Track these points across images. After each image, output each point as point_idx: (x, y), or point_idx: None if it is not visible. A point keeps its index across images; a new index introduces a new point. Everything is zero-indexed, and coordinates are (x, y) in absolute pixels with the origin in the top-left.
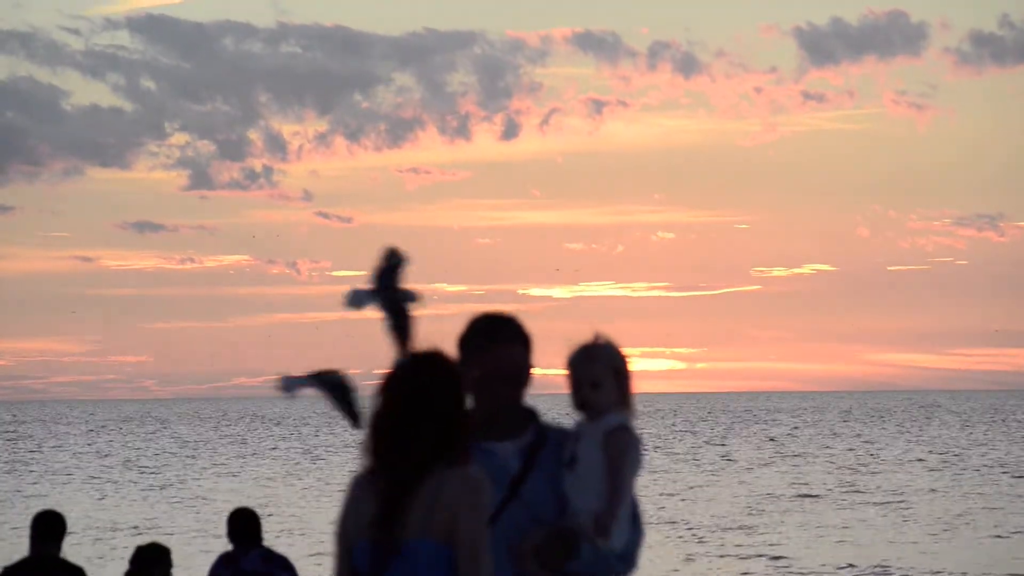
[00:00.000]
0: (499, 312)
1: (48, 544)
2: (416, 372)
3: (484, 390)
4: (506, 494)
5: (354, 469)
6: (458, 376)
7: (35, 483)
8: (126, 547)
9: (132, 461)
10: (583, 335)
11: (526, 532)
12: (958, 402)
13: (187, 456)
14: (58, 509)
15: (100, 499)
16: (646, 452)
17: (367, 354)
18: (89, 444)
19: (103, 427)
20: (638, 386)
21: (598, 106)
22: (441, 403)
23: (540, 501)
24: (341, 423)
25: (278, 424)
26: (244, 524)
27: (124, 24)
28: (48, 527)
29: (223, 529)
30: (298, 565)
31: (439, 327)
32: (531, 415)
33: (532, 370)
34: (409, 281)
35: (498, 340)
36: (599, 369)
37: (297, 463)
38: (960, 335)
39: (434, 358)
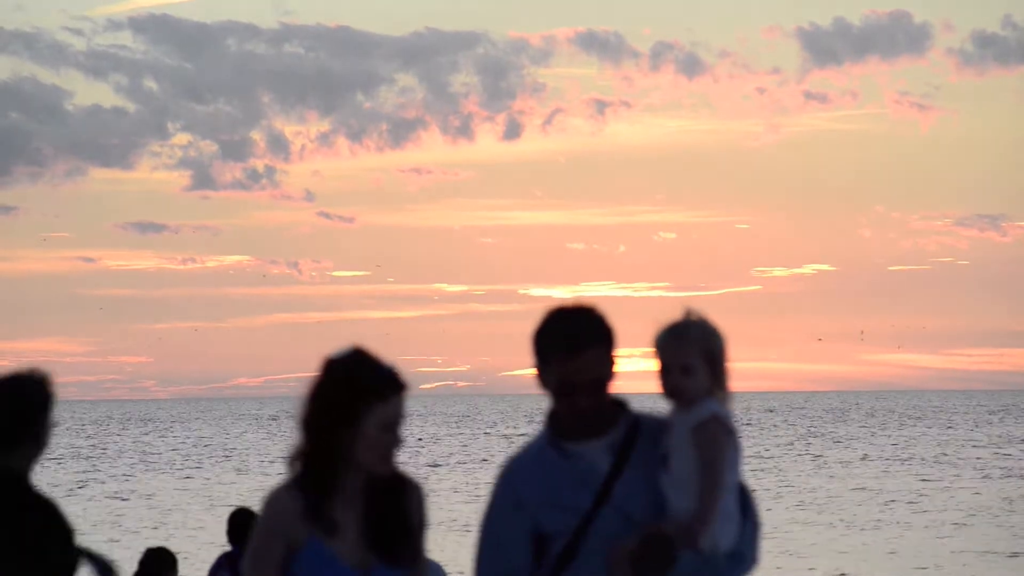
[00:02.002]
0: (577, 307)
1: None
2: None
3: (562, 399)
4: (597, 498)
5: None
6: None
7: None
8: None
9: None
10: (673, 314)
11: (621, 538)
12: (966, 401)
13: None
14: None
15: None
16: (742, 442)
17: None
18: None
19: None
20: (639, 387)
21: (601, 106)
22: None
23: (635, 503)
24: None
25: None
26: (244, 524)
27: (127, 24)
28: None
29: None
30: None
31: (440, 327)
32: (620, 407)
33: (615, 367)
34: (410, 281)
35: (578, 347)
36: (690, 352)
37: None
38: (961, 336)
39: None
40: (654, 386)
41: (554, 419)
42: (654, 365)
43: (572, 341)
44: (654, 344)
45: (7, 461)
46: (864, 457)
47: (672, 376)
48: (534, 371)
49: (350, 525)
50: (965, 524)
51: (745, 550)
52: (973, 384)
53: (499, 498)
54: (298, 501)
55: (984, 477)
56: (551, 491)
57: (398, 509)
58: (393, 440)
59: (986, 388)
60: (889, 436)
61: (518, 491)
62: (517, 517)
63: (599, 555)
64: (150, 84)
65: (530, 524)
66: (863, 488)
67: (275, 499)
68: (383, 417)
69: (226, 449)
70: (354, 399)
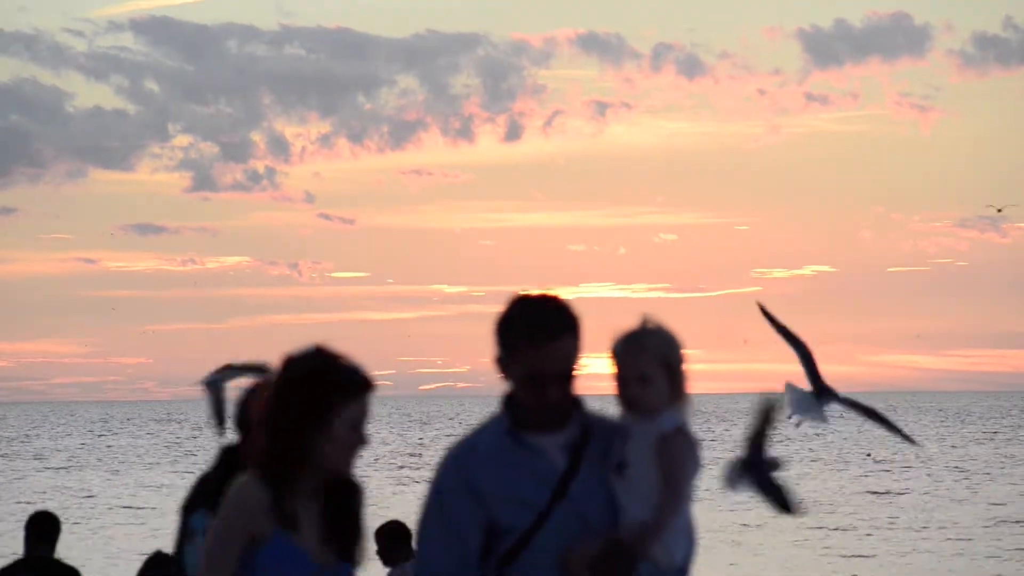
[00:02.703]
0: (544, 296)
1: (42, 545)
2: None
3: (531, 389)
4: (553, 493)
5: None
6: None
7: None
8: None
9: None
10: (629, 322)
11: (576, 538)
12: (967, 402)
13: None
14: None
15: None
16: (702, 455)
17: (365, 356)
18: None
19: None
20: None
21: (601, 108)
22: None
23: (591, 504)
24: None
25: None
26: None
27: (127, 26)
28: (42, 528)
29: None
30: None
31: (439, 328)
32: (576, 403)
33: (582, 358)
34: (410, 283)
35: (548, 336)
36: (647, 361)
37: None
38: (961, 336)
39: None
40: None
41: (515, 409)
42: (611, 373)
43: (544, 330)
44: (611, 352)
45: None
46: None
47: (629, 386)
48: (496, 360)
49: (311, 522)
50: None
51: (688, 568)
52: (973, 385)
53: (451, 482)
54: (264, 495)
55: None
56: (508, 483)
57: (353, 508)
58: (359, 439)
59: (986, 389)
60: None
61: (473, 479)
62: (471, 505)
63: (550, 554)
64: (151, 86)
65: (484, 515)
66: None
67: (241, 492)
68: (351, 416)
69: None
70: (324, 398)
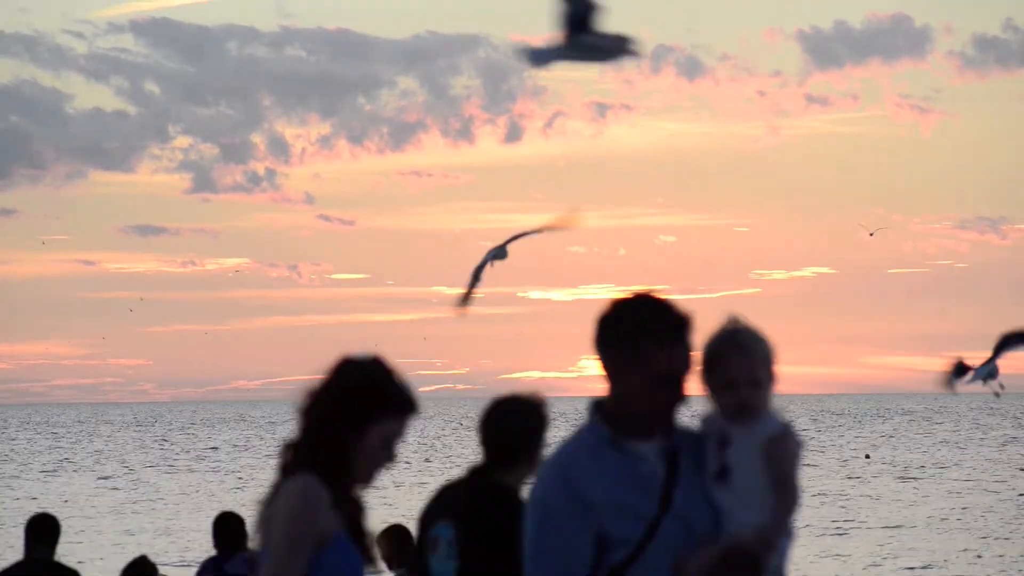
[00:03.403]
0: (664, 296)
1: (42, 547)
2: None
3: (656, 391)
4: (661, 502)
5: None
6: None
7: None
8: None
9: None
10: (717, 320)
11: (681, 546)
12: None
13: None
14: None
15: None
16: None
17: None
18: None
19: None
20: None
21: (601, 109)
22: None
23: (695, 513)
24: None
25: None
26: (229, 528)
27: (128, 27)
28: (42, 530)
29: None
30: None
31: (439, 330)
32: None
33: None
34: (409, 284)
35: (679, 335)
36: (759, 364)
37: None
38: (960, 338)
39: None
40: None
41: (612, 416)
42: (709, 376)
43: (676, 330)
44: (711, 354)
45: (505, 478)
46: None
47: (739, 390)
48: (613, 361)
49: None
50: None
51: (785, 565)
52: (973, 386)
53: (558, 494)
54: (326, 494)
55: None
56: (616, 493)
57: (365, 512)
58: (387, 457)
59: (985, 390)
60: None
61: (581, 489)
62: (582, 516)
63: (658, 564)
64: (151, 87)
65: (594, 525)
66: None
67: (309, 491)
68: (387, 433)
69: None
70: (367, 408)
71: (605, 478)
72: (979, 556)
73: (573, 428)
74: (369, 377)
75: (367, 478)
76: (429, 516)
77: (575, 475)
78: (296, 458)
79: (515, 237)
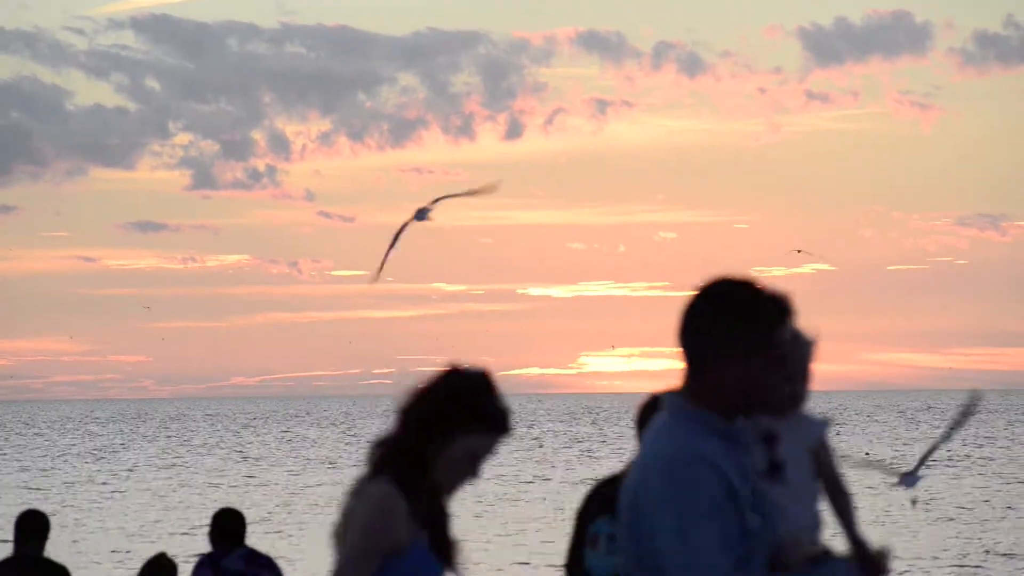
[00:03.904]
0: (773, 286)
1: (31, 543)
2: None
3: (780, 373)
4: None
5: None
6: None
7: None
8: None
9: None
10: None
11: (776, 540)
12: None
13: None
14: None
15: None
16: None
17: (364, 354)
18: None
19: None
20: (638, 386)
21: (602, 106)
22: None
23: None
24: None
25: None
26: (227, 524)
27: (128, 24)
28: (31, 526)
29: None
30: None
31: (438, 326)
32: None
33: None
34: (409, 281)
35: (793, 317)
36: (810, 356)
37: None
38: (960, 335)
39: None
40: (653, 386)
41: (723, 402)
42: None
43: (792, 312)
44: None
45: None
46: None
47: (796, 384)
48: (738, 343)
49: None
50: None
51: None
52: (972, 384)
53: (712, 488)
54: (403, 501)
55: None
56: (745, 482)
57: (448, 516)
58: (472, 471)
59: (985, 388)
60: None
61: (728, 481)
62: (733, 511)
63: (765, 555)
64: (151, 84)
65: (740, 516)
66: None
67: (384, 498)
68: (475, 447)
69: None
70: (461, 418)
71: (739, 469)
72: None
73: (674, 420)
74: (468, 388)
75: (448, 489)
76: (587, 513)
77: (721, 466)
78: (381, 459)
79: (440, 199)
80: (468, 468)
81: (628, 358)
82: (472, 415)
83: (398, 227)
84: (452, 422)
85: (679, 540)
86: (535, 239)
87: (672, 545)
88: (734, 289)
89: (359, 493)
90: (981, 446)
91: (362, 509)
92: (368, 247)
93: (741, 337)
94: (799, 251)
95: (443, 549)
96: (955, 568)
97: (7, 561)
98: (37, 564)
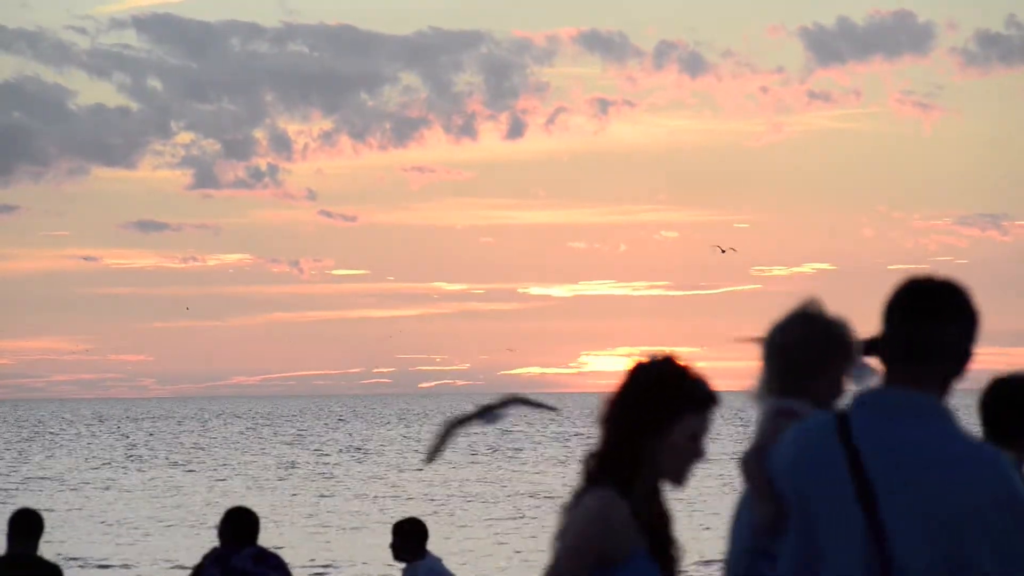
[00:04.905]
0: None
1: (25, 542)
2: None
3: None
4: None
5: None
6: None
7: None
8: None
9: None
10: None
11: None
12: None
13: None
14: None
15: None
16: None
17: (364, 354)
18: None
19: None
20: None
21: (604, 106)
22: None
23: None
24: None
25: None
26: (239, 523)
27: (130, 23)
28: (25, 526)
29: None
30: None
31: (439, 326)
32: None
33: None
34: (409, 280)
35: None
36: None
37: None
38: None
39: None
40: None
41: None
42: (835, 362)
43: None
44: (849, 339)
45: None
46: None
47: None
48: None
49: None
50: None
51: None
52: (972, 384)
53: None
54: (626, 508)
55: None
56: None
57: (669, 517)
58: (696, 452)
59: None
60: None
61: None
62: None
63: None
64: (153, 83)
65: None
66: None
67: (607, 506)
68: (692, 427)
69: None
70: (668, 405)
71: None
72: None
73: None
74: (664, 376)
75: (679, 478)
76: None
77: None
78: (598, 468)
79: (510, 401)
80: (692, 451)
81: (628, 357)
82: (680, 399)
83: (457, 418)
84: (662, 413)
85: None
86: (536, 238)
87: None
88: (960, 284)
89: (576, 505)
90: None
91: (580, 516)
92: (369, 247)
93: (970, 331)
94: (722, 250)
95: (664, 554)
96: None
97: (0, 560)
98: (30, 564)
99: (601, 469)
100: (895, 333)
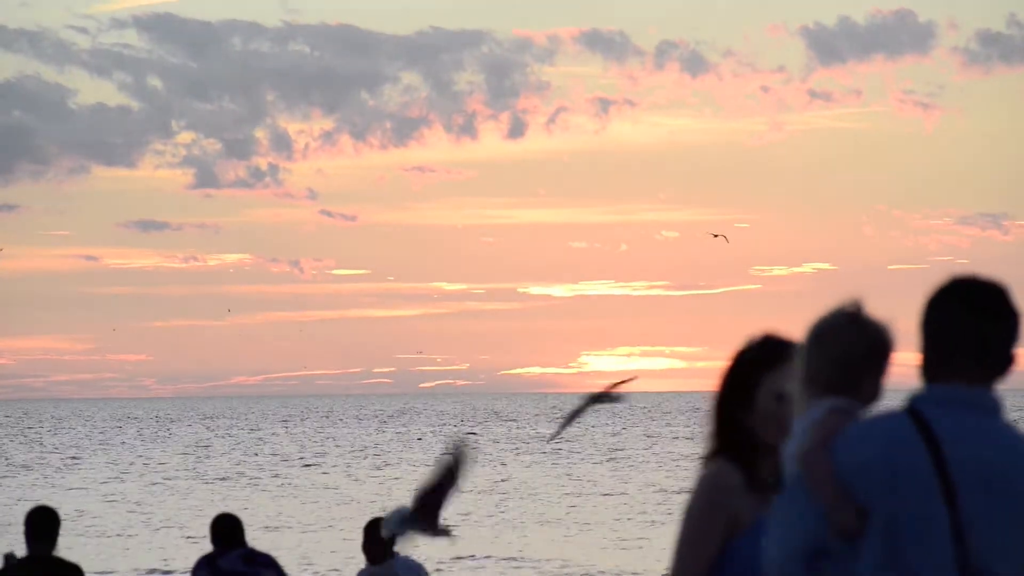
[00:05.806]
0: None
1: (42, 542)
2: None
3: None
4: None
5: None
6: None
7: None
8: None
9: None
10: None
11: None
12: None
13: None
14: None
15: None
16: None
17: (364, 354)
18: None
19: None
20: (638, 385)
21: (605, 105)
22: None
23: None
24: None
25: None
26: (222, 528)
27: (131, 23)
28: (42, 525)
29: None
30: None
31: (439, 326)
32: None
33: None
34: (410, 280)
35: None
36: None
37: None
38: None
39: None
40: (654, 386)
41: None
42: (877, 364)
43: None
44: (889, 343)
45: None
46: None
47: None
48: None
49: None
50: None
51: None
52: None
53: None
54: (739, 477)
55: None
56: None
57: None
58: (787, 409)
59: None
60: None
61: None
62: None
63: None
64: (154, 82)
65: None
66: None
67: (719, 475)
68: (774, 388)
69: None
70: (745, 371)
71: None
72: None
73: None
74: (744, 349)
75: (777, 437)
76: None
77: None
78: (709, 445)
79: (622, 381)
80: (780, 408)
81: (628, 357)
82: (754, 364)
83: (580, 403)
84: (744, 381)
85: None
86: (536, 238)
87: None
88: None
89: (697, 480)
90: None
91: (694, 489)
92: (370, 246)
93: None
94: (715, 236)
95: None
96: None
97: (19, 561)
98: (47, 563)
99: (712, 443)
100: (961, 331)
